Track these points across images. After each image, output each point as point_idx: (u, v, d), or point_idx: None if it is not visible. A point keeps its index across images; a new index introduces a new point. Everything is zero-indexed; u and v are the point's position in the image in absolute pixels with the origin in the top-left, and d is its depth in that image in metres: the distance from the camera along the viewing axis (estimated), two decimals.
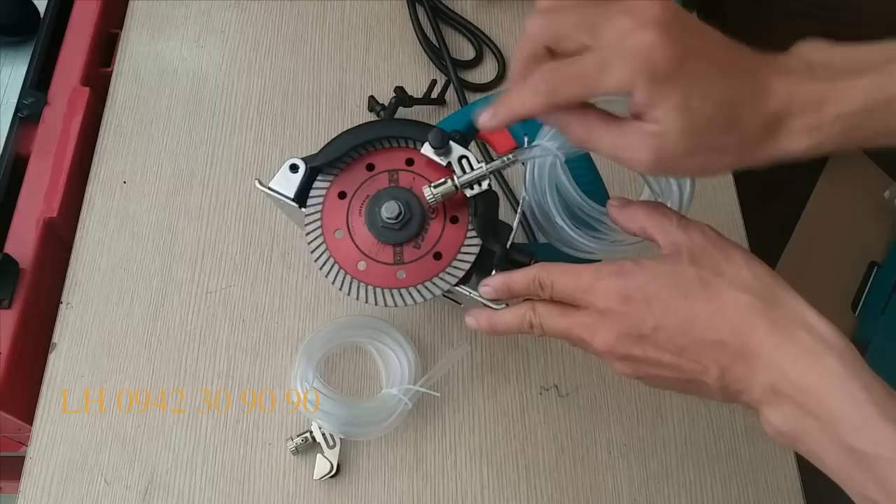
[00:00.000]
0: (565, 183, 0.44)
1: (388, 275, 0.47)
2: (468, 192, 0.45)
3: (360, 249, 0.47)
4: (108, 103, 0.71)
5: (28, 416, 0.58)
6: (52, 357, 0.60)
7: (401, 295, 0.46)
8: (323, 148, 0.48)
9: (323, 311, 0.63)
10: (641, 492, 0.59)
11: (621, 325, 0.36)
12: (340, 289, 0.47)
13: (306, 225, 0.48)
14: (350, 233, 0.47)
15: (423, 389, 0.58)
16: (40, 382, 0.59)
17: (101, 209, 0.66)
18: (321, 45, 0.76)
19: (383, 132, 0.48)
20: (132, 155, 0.69)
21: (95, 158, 0.68)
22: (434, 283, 0.46)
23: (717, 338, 0.34)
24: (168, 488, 0.56)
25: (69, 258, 0.64)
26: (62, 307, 0.62)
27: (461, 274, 0.46)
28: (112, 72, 0.73)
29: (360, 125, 0.48)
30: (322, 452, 0.56)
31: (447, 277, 0.46)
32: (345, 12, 0.78)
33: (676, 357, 0.35)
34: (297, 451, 0.57)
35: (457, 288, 0.46)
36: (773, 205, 1.20)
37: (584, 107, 0.37)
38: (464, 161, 0.45)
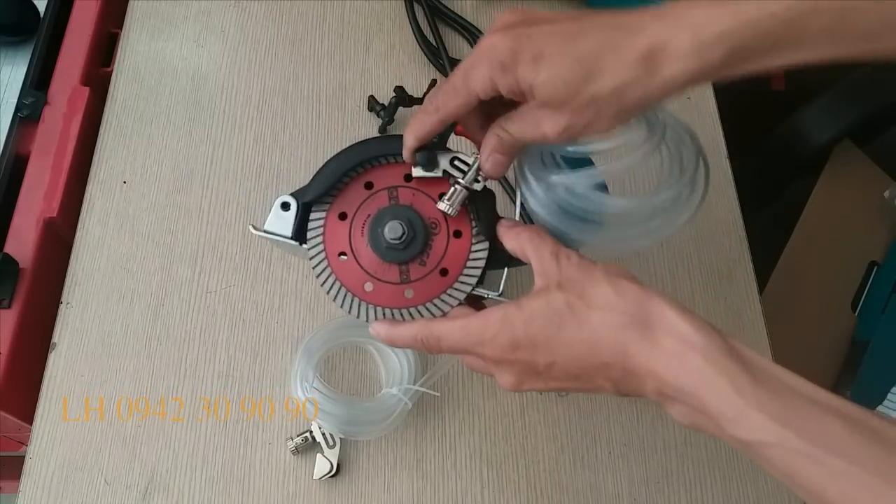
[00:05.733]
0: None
1: (395, 294, 0.46)
2: (477, 186, 0.44)
3: (365, 270, 0.46)
4: (108, 103, 0.71)
5: (28, 415, 0.58)
6: (52, 357, 0.60)
7: (410, 314, 0.46)
8: (312, 180, 0.47)
9: (323, 310, 0.63)
10: (641, 491, 0.59)
11: (519, 368, 0.39)
12: (349, 312, 0.46)
13: (309, 250, 0.47)
14: (354, 254, 0.47)
15: (423, 389, 0.58)
16: (40, 382, 0.59)
17: (101, 209, 0.66)
18: (321, 45, 0.76)
19: (369, 153, 0.47)
20: (132, 155, 0.69)
21: (95, 158, 0.68)
22: (442, 300, 0.46)
23: (600, 361, 0.36)
24: (168, 488, 0.56)
25: (69, 258, 0.64)
26: (62, 307, 0.62)
27: (469, 289, 0.46)
28: (112, 71, 0.73)
29: (345, 149, 0.47)
30: (322, 452, 0.56)
31: (455, 293, 0.46)
32: (344, 12, 0.78)
33: (574, 381, 0.38)
34: (297, 450, 0.57)
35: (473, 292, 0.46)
36: (773, 205, 1.21)
37: (488, 121, 0.42)
38: (456, 162, 0.45)
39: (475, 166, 0.44)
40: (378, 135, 0.69)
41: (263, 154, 0.70)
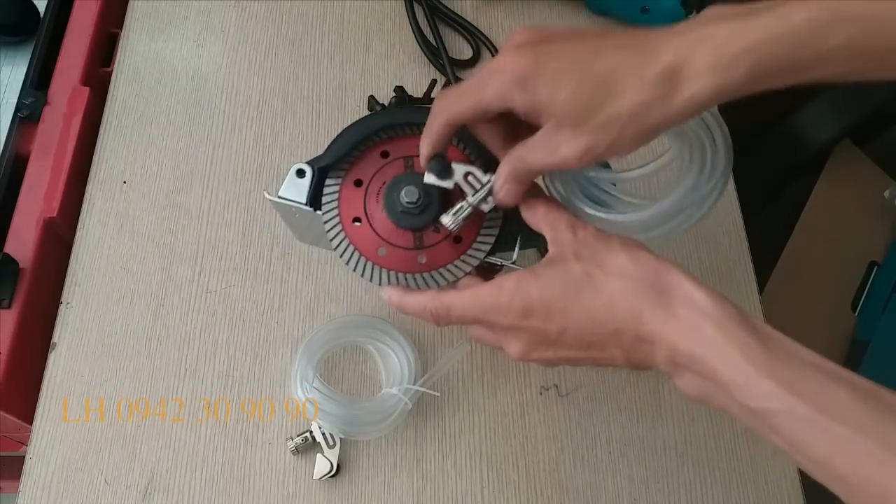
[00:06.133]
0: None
1: (408, 259, 0.46)
2: (485, 208, 0.43)
3: (379, 235, 0.46)
4: (108, 103, 0.71)
5: (28, 415, 0.58)
6: (52, 357, 0.60)
7: (424, 279, 0.46)
8: (328, 147, 0.48)
9: (323, 310, 0.63)
10: (641, 491, 0.59)
11: (529, 336, 0.39)
12: (362, 275, 0.46)
13: (324, 214, 0.47)
14: (369, 220, 0.47)
15: (423, 389, 0.58)
16: (40, 382, 0.59)
17: (101, 209, 0.66)
18: (321, 45, 0.76)
19: (385, 122, 0.47)
20: (132, 155, 0.69)
21: (95, 158, 0.68)
22: (456, 266, 0.46)
23: (614, 327, 0.36)
24: (168, 488, 0.56)
25: (69, 258, 0.64)
26: (62, 307, 0.62)
27: (482, 255, 0.46)
28: (112, 71, 0.73)
29: (361, 118, 0.48)
30: (322, 452, 0.56)
31: (468, 260, 0.46)
32: (344, 12, 0.78)
33: (585, 351, 0.38)
34: (297, 450, 0.57)
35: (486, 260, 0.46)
36: (773, 205, 1.21)
37: (510, 142, 0.41)
38: (470, 178, 0.44)
39: (487, 187, 0.43)
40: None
41: (263, 154, 0.70)
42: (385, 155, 0.48)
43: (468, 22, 0.77)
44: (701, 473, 0.60)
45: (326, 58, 0.75)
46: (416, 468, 0.58)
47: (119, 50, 0.74)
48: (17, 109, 0.67)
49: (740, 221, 0.71)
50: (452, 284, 0.46)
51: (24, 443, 0.59)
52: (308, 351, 0.58)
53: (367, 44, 0.76)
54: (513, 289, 0.39)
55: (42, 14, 0.72)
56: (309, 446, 0.57)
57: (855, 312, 1.10)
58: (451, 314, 0.42)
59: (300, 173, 0.48)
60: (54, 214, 0.63)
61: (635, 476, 0.59)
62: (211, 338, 0.62)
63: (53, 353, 0.60)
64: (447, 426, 0.60)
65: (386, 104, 0.70)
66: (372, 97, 0.71)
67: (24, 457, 0.57)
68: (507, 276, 0.40)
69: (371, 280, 0.46)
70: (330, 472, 0.56)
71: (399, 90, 0.70)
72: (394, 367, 0.59)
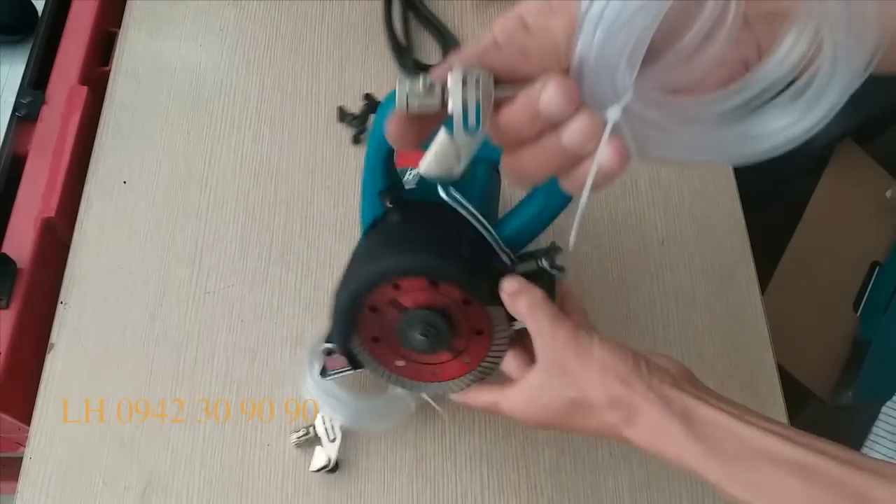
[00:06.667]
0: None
1: (423, 373, 0.50)
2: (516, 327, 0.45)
3: (425, 364, 0.49)
4: (107, 102, 0.71)
5: (26, 416, 0.58)
6: (49, 358, 0.60)
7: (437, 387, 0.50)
8: (331, 324, 0.49)
9: (322, 311, 0.63)
10: (642, 493, 0.59)
11: (538, 426, 0.45)
12: (383, 377, 0.51)
13: (372, 371, 0.51)
14: (406, 358, 0.49)
15: (429, 399, 0.57)
16: (38, 383, 0.59)
17: (100, 209, 0.66)
18: (320, 44, 0.75)
19: (361, 287, 0.46)
20: (130, 154, 0.69)
21: (93, 158, 0.68)
22: (457, 383, 0.49)
23: (600, 432, 0.42)
24: (166, 490, 0.56)
25: (67, 258, 0.64)
26: (60, 307, 0.62)
27: (503, 349, 0.47)
28: (110, 71, 0.72)
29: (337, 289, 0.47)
30: (321, 445, 0.56)
31: (463, 382, 0.49)
32: (343, 11, 0.77)
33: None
34: (299, 444, 0.57)
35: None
36: (774, 205, 1.20)
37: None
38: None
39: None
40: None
41: (262, 153, 0.69)
42: (374, 310, 0.46)
43: (441, 23, 0.76)
44: None
45: (325, 57, 0.75)
46: (416, 469, 0.58)
47: (117, 49, 0.74)
48: (15, 109, 0.67)
49: (742, 221, 0.71)
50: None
51: (22, 444, 0.59)
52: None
53: (366, 43, 0.76)
54: (521, 411, 0.44)
55: (40, 13, 0.72)
56: (312, 441, 0.57)
57: (857, 312, 1.09)
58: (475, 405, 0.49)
59: (330, 353, 0.52)
60: (52, 214, 0.63)
61: (636, 477, 0.59)
62: (210, 338, 0.61)
63: (51, 353, 0.60)
64: (447, 427, 0.59)
65: (357, 113, 0.70)
66: (340, 108, 0.70)
67: (22, 458, 0.56)
68: (512, 400, 0.45)
69: (392, 383, 0.52)
70: (327, 466, 0.56)
71: (368, 98, 0.69)
72: None
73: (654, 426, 0.39)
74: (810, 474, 0.34)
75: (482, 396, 0.48)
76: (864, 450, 0.92)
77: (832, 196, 1.15)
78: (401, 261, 0.43)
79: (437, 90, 0.32)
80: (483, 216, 0.44)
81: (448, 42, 0.75)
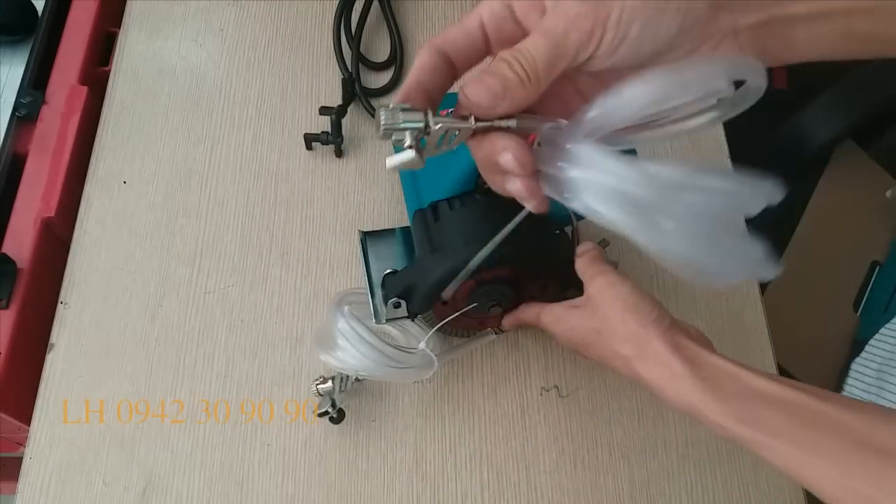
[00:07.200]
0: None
1: (471, 323, 0.59)
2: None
3: (457, 310, 0.55)
4: (106, 102, 0.71)
5: (26, 416, 0.58)
6: (49, 358, 0.60)
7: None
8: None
9: (322, 311, 0.63)
10: (642, 493, 0.59)
11: (559, 339, 0.53)
12: (432, 326, 0.56)
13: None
14: (453, 304, 0.55)
15: (453, 356, 0.60)
16: (38, 383, 0.59)
17: (99, 208, 0.66)
18: (320, 44, 0.75)
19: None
20: (130, 154, 0.68)
21: (93, 158, 0.68)
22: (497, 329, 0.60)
23: (612, 366, 0.47)
24: (166, 490, 0.56)
25: (67, 258, 0.64)
26: (60, 307, 0.62)
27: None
28: (110, 71, 0.72)
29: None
30: (331, 394, 0.57)
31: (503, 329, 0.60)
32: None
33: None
34: (318, 393, 0.57)
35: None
36: (774, 205, 1.20)
37: None
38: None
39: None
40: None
41: (262, 153, 0.69)
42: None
43: (396, 22, 0.75)
44: (702, 474, 0.60)
45: (325, 56, 0.75)
46: (416, 470, 0.58)
47: (117, 49, 0.74)
48: (15, 109, 0.66)
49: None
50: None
51: (22, 444, 0.59)
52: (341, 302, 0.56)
53: (366, 43, 0.76)
54: (555, 322, 0.52)
55: (40, 13, 0.72)
56: (329, 392, 0.57)
57: (857, 312, 1.09)
58: (537, 322, 0.54)
59: (397, 304, 0.54)
60: (52, 214, 0.63)
61: (636, 477, 0.59)
62: (210, 338, 0.61)
63: (51, 353, 0.60)
64: (447, 427, 0.59)
65: (327, 131, 0.68)
66: (306, 135, 0.68)
67: (22, 458, 0.56)
68: (565, 321, 0.51)
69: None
70: (330, 413, 0.56)
71: (325, 110, 0.68)
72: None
73: (662, 363, 0.42)
74: (805, 414, 0.37)
75: (530, 310, 0.55)
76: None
77: (832, 196, 1.15)
78: (518, 251, 0.50)
79: (420, 115, 0.35)
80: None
81: (396, 43, 0.75)
